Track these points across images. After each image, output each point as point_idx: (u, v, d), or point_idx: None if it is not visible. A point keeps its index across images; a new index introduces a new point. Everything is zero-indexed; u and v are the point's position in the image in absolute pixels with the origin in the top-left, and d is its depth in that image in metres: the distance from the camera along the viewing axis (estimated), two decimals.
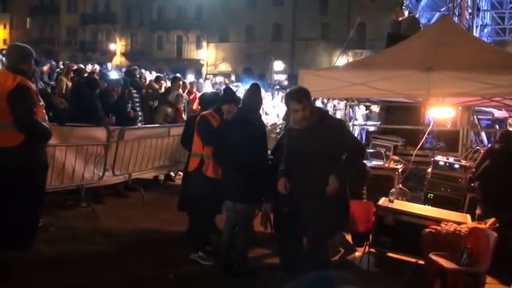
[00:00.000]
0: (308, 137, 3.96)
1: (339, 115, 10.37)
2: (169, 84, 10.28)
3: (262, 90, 5.89)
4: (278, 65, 36.97)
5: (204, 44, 43.88)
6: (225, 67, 42.32)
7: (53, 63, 10.89)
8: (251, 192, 4.57)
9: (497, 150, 5.94)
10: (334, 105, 10.04)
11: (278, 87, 20.50)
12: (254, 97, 4.84)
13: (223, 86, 11.14)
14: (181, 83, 9.66)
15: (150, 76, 11.41)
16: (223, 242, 4.82)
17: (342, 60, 19.31)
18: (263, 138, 4.92)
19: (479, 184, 5.99)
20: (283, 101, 4.16)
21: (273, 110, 13.50)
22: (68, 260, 4.65)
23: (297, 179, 4.04)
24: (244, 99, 4.89)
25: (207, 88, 15.27)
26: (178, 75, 10.91)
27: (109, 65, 15.92)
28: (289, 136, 4.27)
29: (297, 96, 3.99)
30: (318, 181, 3.87)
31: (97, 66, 14.90)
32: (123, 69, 16.16)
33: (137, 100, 8.43)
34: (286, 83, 26.98)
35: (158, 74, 11.61)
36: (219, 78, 29.11)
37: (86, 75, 9.78)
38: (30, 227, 4.37)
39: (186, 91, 9.71)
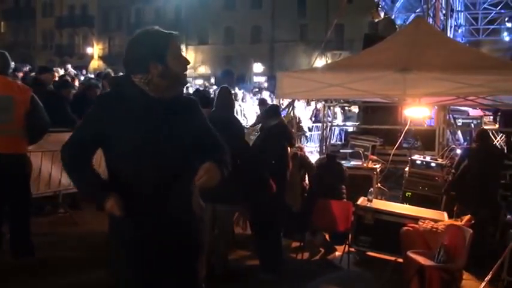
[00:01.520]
0: (172, 114, 2.30)
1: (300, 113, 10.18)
2: None
3: (246, 94, 5.89)
4: (258, 67, 36.98)
5: (183, 47, 43.69)
6: (204, 70, 42.20)
7: (26, 69, 10.62)
8: (231, 192, 4.39)
9: (475, 149, 6.06)
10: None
11: (257, 89, 20.49)
12: (228, 99, 4.85)
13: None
14: None
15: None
16: None
17: (320, 61, 19.41)
18: (243, 137, 4.91)
19: (458, 183, 6.09)
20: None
21: (253, 112, 13.46)
22: (47, 266, 4.60)
23: (141, 185, 2.26)
24: (218, 101, 4.87)
25: None
26: None
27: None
28: (135, 109, 2.26)
29: (180, 38, 2.40)
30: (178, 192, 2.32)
31: (71, 69, 14.53)
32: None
33: None
34: (266, 84, 26.98)
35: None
36: (199, 81, 28.95)
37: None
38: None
39: None
